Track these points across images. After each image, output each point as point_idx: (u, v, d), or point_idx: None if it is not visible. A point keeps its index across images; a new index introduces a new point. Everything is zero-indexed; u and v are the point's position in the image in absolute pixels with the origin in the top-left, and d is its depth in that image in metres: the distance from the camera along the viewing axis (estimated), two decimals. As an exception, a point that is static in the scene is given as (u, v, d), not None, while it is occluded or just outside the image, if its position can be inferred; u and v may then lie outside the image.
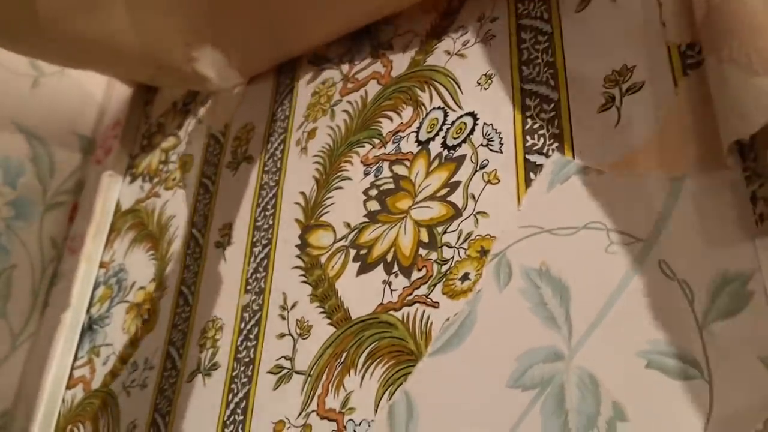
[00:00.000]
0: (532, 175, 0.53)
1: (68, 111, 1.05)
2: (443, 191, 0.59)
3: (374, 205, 0.64)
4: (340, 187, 0.68)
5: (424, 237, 0.58)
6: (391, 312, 0.57)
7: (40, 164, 1.00)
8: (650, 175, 0.46)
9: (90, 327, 0.90)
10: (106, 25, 0.81)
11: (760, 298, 0.39)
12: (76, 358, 0.89)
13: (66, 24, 0.80)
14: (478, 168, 0.57)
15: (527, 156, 0.54)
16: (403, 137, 0.65)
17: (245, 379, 0.65)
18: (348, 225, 0.65)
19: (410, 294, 0.56)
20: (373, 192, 0.65)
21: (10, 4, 0.77)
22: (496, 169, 0.56)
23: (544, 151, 0.53)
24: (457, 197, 0.57)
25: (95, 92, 1.09)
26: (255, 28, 0.83)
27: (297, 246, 0.69)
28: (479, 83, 0.61)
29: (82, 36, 0.81)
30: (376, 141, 0.68)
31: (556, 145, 0.53)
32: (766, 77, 0.40)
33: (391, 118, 0.68)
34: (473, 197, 0.56)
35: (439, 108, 0.64)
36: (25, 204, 0.97)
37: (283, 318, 0.65)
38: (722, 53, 0.43)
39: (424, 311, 0.54)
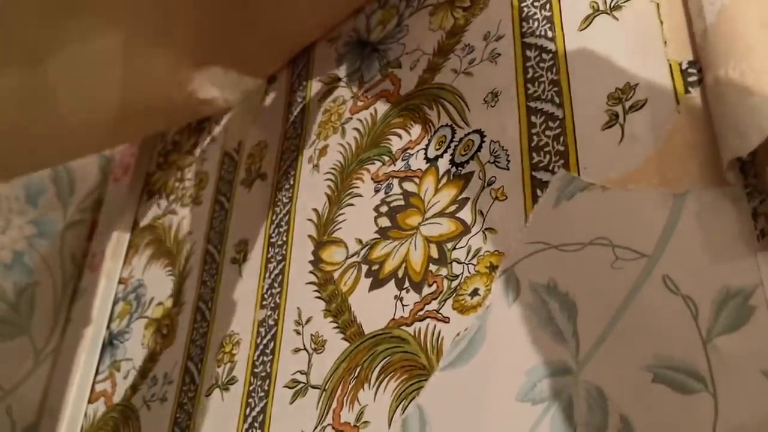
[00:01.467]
0: (538, 192, 0.54)
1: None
2: (452, 208, 0.60)
3: (385, 222, 0.65)
4: (352, 204, 0.70)
5: (434, 253, 0.59)
6: (403, 327, 0.58)
7: (60, 183, 1.03)
8: (653, 191, 0.47)
9: (110, 342, 0.92)
10: (107, 104, 0.84)
11: (763, 313, 0.40)
12: (97, 373, 0.91)
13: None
14: (485, 185, 0.58)
15: (534, 173, 0.55)
16: (412, 154, 0.67)
17: (262, 394, 0.67)
18: (360, 241, 0.67)
19: (421, 309, 0.57)
20: (384, 209, 0.66)
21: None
22: (503, 186, 0.57)
23: (550, 167, 0.54)
24: (465, 213, 0.59)
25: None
26: (246, 31, 0.84)
27: (310, 262, 0.70)
28: (486, 101, 0.62)
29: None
30: (386, 158, 0.69)
31: (561, 162, 0.54)
32: (761, 97, 0.41)
33: (400, 136, 0.69)
34: (481, 213, 0.57)
35: (447, 125, 0.65)
36: (47, 222, 1.00)
37: (298, 333, 0.67)
38: (719, 72, 0.44)
39: (435, 326, 0.56)
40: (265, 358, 0.69)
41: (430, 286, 0.58)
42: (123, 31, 0.77)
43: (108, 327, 0.94)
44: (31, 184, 1.00)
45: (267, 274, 0.74)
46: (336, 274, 0.67)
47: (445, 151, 0.64)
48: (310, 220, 0.73)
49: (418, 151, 0.66)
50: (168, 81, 0.87)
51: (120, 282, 0.97)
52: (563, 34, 0.59)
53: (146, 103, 0.87)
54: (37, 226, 0.98)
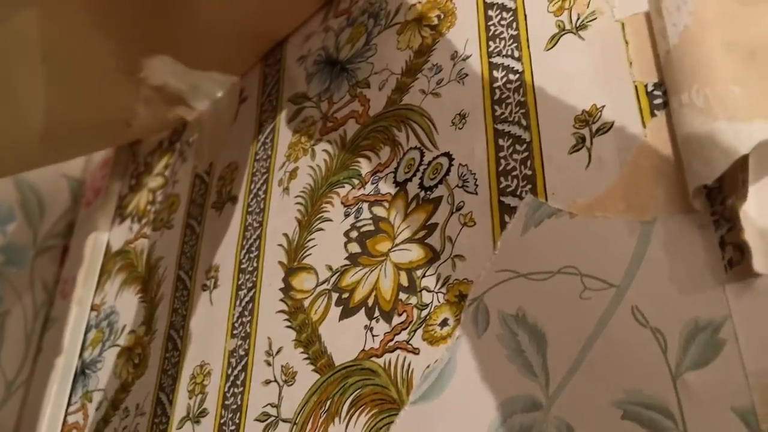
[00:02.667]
0: (506, 218, 0.53)
1: (56, 153, 1.06)
2: (421, 233, 0.59)
3: (355, 248, 0.64)
4: (322, 229, 0.68)
5: (404, 281, 0.58)
6: (373, 358, 0.56)
7: (29, 208, 1.01)
8: (621, 218, 0.46)
9: (83, 371, 0.90)
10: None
11: (732, 347, 0.38)
12: (69, 404, 0.88)
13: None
14: (454, 210, 0.57)
15: (501, 198, 0.54)
16: (382, 177, 0.65)
17: (233, 427, 0.65)
18: (330, 268, 0.65)
19: (391, 340, 0.56)
20: (354, 234, 0.65)
21: None
22: (471, 211, 0.56)
23: (518, 192, 0.53)
24: (434, 240, 0.57)
25: (83, 133, 1.10)
26: (211, 24, 0.83)
27: (281, 289, 0.69)
28: (454, 123, 0.61)
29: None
30: (356, 181, 0.68)
31: (529, 186, 0.53)
32: (726, 121, 0.40)
33: (369, 158, 0.68)
34: (450, 240, 0.56)
35: (415, 148, 0.64)
36: (16, 249, 0.98)
37: (269, 364, 0.65)
38: (682, 96, 0.43)
39: (405, 357, 0.54)
40: (236, 390, 0.67)
41: (400, 315, 0.56)
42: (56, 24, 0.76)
43: (80, 356, 0.92)
44: (0, 210, 0.98)
45: (237, 302, 0.73)
46: (306, 303, 0.65)
47: (414, 175, 0.62)
48: (280, 245, 0.72)
49: (387, 175, 0.65)
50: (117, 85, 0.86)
51: (92, 309, 0.95)
52: (530, 54, 0.58)
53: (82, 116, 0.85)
54: (5, 253, 0.96)
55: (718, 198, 0.42)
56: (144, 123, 0.93)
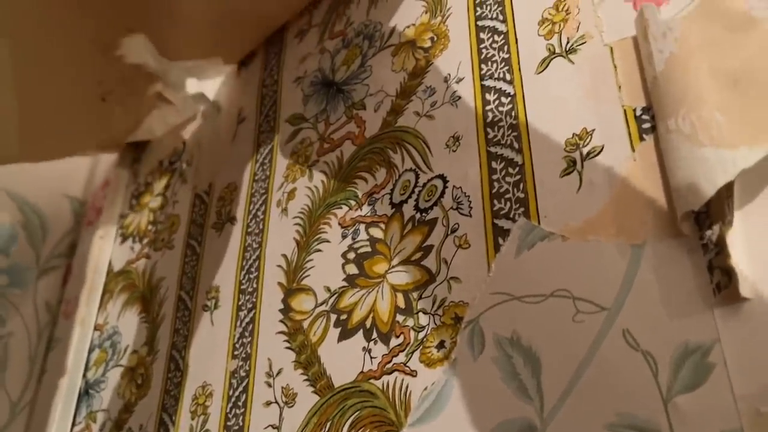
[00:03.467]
0: (500, 240, 0.54)
1: (58, 174, 1.07)
2: (417, 255, 0.59)
3: (352, 269, 0.65)
4: (320, 250, 0.69)
5: (401, 302, 0.58)
6: (372, 380, 0.57)
7: (31, 229, 1.02)
8: (611, 241, 0.47)
9: (87, 391, 0.91)
10: None
11: (721, 370, 0.39)
12: (74, 424, 0.89)
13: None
14: (449, 232, 0.58)
15: (495, 220, 0.55)
16: (378, 199, 0.66)
17: (235, 448, 0.66)
18: (328, 289, 0.66)
19: (389, 362, 0.57)
20: (351, 255, 0.65)
21: None
22: (466, 234, 0.57)
23: (511, 215, 0.54)
24: (430, 262, 0.58)
25: (84, 153, 1.11)
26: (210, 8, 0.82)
27: (280, 310, 0.69)
28: (448, 145, 0.62)
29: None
30: (353, 202, 0.69)
31: (522, 209, 0.54)
32: (711, 148, 0.41)
33: (366, 180, 0.69)
34: (445, 262, 0.57)
35: (411, 170, 0.65)
36: (19, 270, 0.99)
37: (269, 385, 0.66)
38: (669, 121, 0.44)
39: (403, 380, 0.55)
40: (237, 411, 0.68)
41: (397, 337, 0.57)
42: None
43: (84, 376, 0.92)
44: (2, 232, 0.99)
45: (238, 323, 0.73)
46: (305, 324, 0.66)
47: (410, 196, 0.63)
48: (279, 266, 0.73)
49: (383, 196, 0.66)
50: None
51: (96, 329, 0.96)
52: (521, 77, 0.59)
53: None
54: (9, 275, 0.97)
55: (706, 222, 0.43)
56: (120, 100, 0.91)
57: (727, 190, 0.41)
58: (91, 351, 0.94)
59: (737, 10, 0.44)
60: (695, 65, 0.44)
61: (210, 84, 0.98)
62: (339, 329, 0.62)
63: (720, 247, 0.41)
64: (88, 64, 0.86)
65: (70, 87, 0.87)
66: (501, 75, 0.61)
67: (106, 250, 1.01)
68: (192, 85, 0.94)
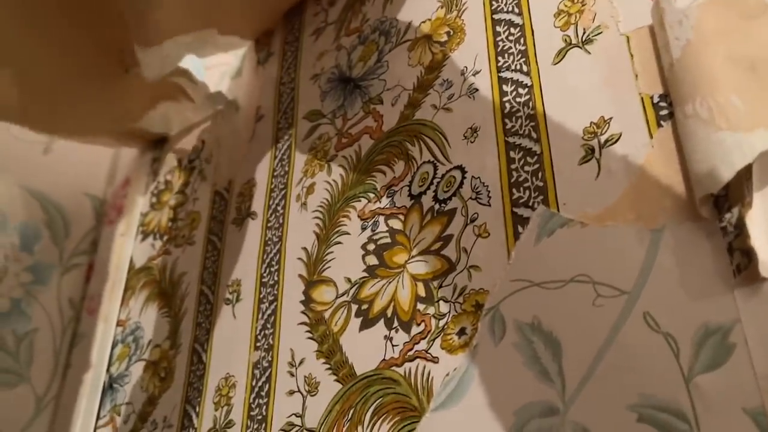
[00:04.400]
0: (519, 228, 0.55)
1: (79, 173, 1.09)
2: (437, 245, 0.60)
3: (372, 260, 0.66)
4: (340, 242, 0.70)
5: (421, 291, 0.59)
6: (394, 368, 0.58)
7: (55, 228, 1.04)
8: (630, 227, 0.48)
9: (111, 386, 0.92)
10: None
11: (742, 350, 0.40)
12: (98, 418, 0.91)
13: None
14: (468, 221, 0.59)
15: (514, 209, 0.56)
16: (397, 191, 0.67)
17: (259, 437, 0.67)
18: (349, 280, 0.67)
19: (411, 349, 0.58)
20: (371, 246, 0.67)
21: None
22: (485, 223, 0.57)
23: (530, 204, 0.55)
24: (450, 251, 0.59)
25: (104, 152, 1.13)
26: None
27: (301, 302, 0.71)
28: (465, 137, 0.63)
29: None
30: (372, 195, 0.70)
31: (541, 197, 0.54)
32: (729, 131, 0.42)
33: (384, 173, 0.70)
34: (465, 251, 0.58)
35: (429, 162, 0.65)
36: (43, 268, 1.01)
37: (292, 375, 0.67)
38: (687, 107, 0.45)
39: (424, 366, 0.56)
40: (260, 401, 0.69)
41: (418, 325, 0.58)
42: None
43: (108, 370, 0.94)
44: (26, 230, 1.01)
45: (260, 315, 0.75)
46: (327, 314, 0.67)
47: (428, 188, 0.64)
48: (300, 259, 0.74)
49: (402, 188, 0.67)
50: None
51: (118, 324, 0.97)
52: (538, 68, 0.60)
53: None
54: (33, 272, 0.99)
55: (725, 205, 0.44)
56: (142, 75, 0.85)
57: (746, 172, 0.42)
58: (114, 346, 0.96)
59: (753, -4, 0.45)
60: (712, 51, 0.45)
61: (224, 58, 0.97)
62: (360, 319, 0.63)
63: (739, 229, 0.42)
64: (110, 33, 0.82)
65: (93, 55, 0.84)
66: (518, 67, 0.62)
67: (127, 247, 1.03)
68: (210, 80, 0.95)
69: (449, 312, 0.56)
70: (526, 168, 0.57)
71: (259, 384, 0.70)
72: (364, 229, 0.68)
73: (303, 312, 0.70)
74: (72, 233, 1.05)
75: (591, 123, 0.54)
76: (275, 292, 0.75)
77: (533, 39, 0.62)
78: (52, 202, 1.05)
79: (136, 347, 0.92)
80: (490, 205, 0.58)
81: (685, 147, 0.45)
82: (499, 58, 0.64)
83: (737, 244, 0.42)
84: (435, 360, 0.55)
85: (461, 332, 0.55)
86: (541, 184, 0.55)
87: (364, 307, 0.64)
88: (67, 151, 1.09)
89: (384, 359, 0.59)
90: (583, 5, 0.59)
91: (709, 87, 0.44)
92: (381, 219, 0.67)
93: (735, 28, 0.45)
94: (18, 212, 1.01)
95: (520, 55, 0.62)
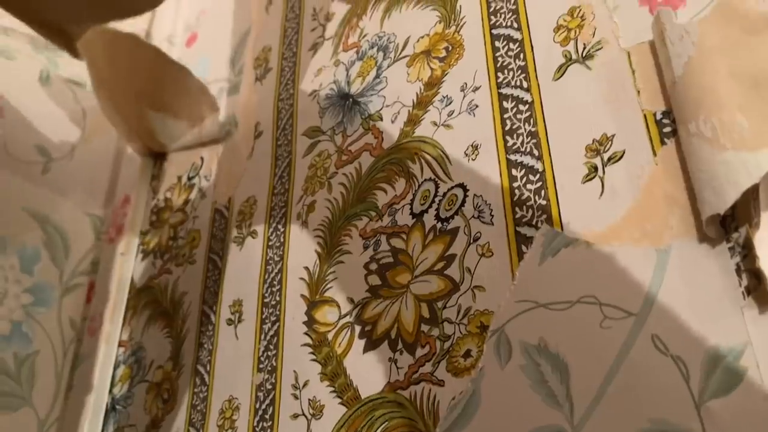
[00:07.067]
0: (523, 248, 0.54)
1: (78, 192, 1.09)
2: (440, 265, 0.60)
3: (375, 280, 0.65)
4: (342, 262, 0.70)
5: (425, 312, 0.59)
6: (399, 390, 0.57)
7: (54, 248, 1.03)
8: (636, 246, 0.47)
9: (113, 407, 0.92)
10: None
11: (754, 374, 0.39)
12: (101, 440, 0.90)
13: None
14: (471, 240, 0.58)
15: (517, 228, 0.55)
16: (398, 209, 0.66)
17: (264, 461, 0.66)
18: (351, 300, 0.66)
19: (416, 372, 0.57)
20: (373, 266, 0.66)
21: None
22: (488, 242, 0.57)
23: (534, 222, 0.54)
24: (453, 271, 0.58)
25: (103, 171, 1.13)
26: None
27: (304, 323, 0.70)
28: (467, 154, 0.62)
29: None
30: (373, 213, 0.69)
31: (544, 216, 0.54)
32: (734, 151, 0.41)
33: (385, 191, 0.69)
34: (469, 271, 0.57)
35: (430, 179, 0.65)
36: (43, 289, 1.00)
37: (296, 397, 0.66)
38: (690, 125, 0.44)
39: (430, 389, 0.55)
40: (264, 424, 0.68)
41: (423, 347, 0.57)
42: None
43: (110, 392, 0.93)
44: (26, 252, 1.00)
45: (262, 336, 0.74)
46: (330, 335, 0.66)
47: (430, 206, 0.63)
48: (302, 278, 0.73)
49: (403, 206, 0.66)
50: None
51: (120, 345, 0.97)
52: (538, 84, 0.59)
53: None
54: (33, 294, 0.98)
55: (732, 225, 0.43)
56: None
57: (753, 191, 0.41)
58: (116, 367, 0.95)
59: (754, 12, 0.44)
60: (714, 68, 0.44)
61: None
62: (364, 340, 0.63)
63: (747, 250, 0.41)
64: None
65: None
66: (518, 83, 0.61)
67: (128, 266, 1.02)
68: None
69: (454, 333, 0.55)
70: (529, 186, 0.56)
71: (263, 407, 0.69)
72: (366, 248, 0.68)
73: (306, 333, 0.69)
74: (72, 253, 1.04)
75: (593, 140, 0.53)
76: (277, 312, 0.74)
77: (533, 54, 0.61)
78: (52, 222, 1.04)
79: (139, 368, 0.91)
80: (493, 224, 0.57)
81: (690, 166, 0.45)
82: (499, 73, 0.63)
83: (746, 264, 0.41)
84: (441, 383, 0.55)
85: (467, 354, 0.54)
86: (544, 202, 0.54)
87: (368, 328, 0.63)
88: (66, 170, 1.08)
89: (389, 382, 0.58)
90: (582, 20, 0.58)
91: (712, 105, 0.43)
92: (383, 238, 0.66)
93: (737, 43, 0.44)
94: (17, 233, 1.00)
95: (519, 71, 0.61)
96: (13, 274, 0.98)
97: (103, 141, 1.13)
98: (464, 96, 0.66)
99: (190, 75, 0.99)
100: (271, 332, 0.73)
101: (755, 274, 0.40)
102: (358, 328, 0.64)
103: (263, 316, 0.75)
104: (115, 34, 0.97)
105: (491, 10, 0.67)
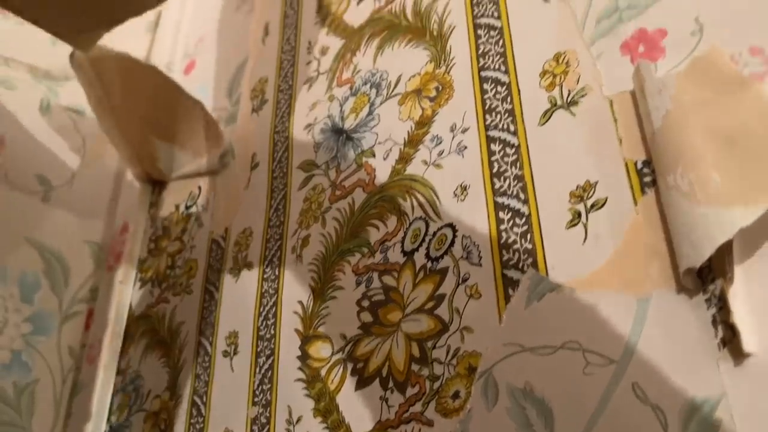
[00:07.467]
0: (510, 291, 0.55)
1: (78, 220, 1.10)
2: (430, 304, 0.61)
3: (367, 317, 0.66)
4: (335, 297, 0.71)
5: (416, 351, 0.60)
6: (390, 429, 0.58)
7: (54, 276, 1.04)
8: (617, 294, 0.48)
9: (111, 436, 0.93)
10: None
11: (729, 425, 0.40)
12: (99, 469, 0.91)
13: None
14: (460, 281, 0.60)
15: (504, 271, 0.56)
16: (390, 247, 0.68)
17: (258, 496, 0.67)
18: (344, 336, 0.67)
19: (406, 411, 0.58)
20: (366, 303, 0.67)
21: None
22: (477, 284, 0.58)
23: (520, 266, 0.56)
24: (443, 311, 0.60)
25: (102, 198, 1.14)
26: None
27: (298, 357, 0.71)
28: (456, 194, 0.64)
29: None
30: (365, 250, 0.70)
31: (530, 260, 0.55)
32: (709, 206, 0.43)
33: (377, 227, 0.71)
34: (458, 312, 0.58)
35: (420, 218, 0.66)
36: (43, 317, 1.01)
37: (290, 433, 0.67)
38: (669, 178, 0.46)
39: (420, 429, 0.56)
40: (259, 458, 0.69)
41: (413, 386, 0.59)
42: None
43: (108, 420, 0.94)
44: (26, 280, 1.01)
45: (257, 369, 0.75)
46: (323, 371, 0.68)
47: (421, 245, 0.65)
48: (296, 313, 0.74)
49: (395, 244, 0.68)
50: None
51: (118, 373, 0.98)
52: (524, 129, 0.61)
53: None
54: (33, 322, 1.00)
55: (709, 276, 0.44)
56: None
57: (727, 246, 0.43)
58: (114, 395, 0.96)
59: (728, 70, 0.46)
60: (691, 123, 0.46)
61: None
62: (356, 377, 0.64)
63: (723, 302, 0.43)
64: None
65: None
66: (505, 126, 0.63)
67: (126, 294, 1.03)
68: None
69: (443, 374, 0.57)
70: (515, 229, 0.57)
71: (258, 440, 0.71)
72: (358, 284, 0.69)
73: (300, 368, 0.70)
74: (71, 281, 1.05)
75: (577, 186, 0.54)
76: (272, 346, 0.75)
77: (520, 98, 0.63)
78: (51, 250, 1.06)
79: (136, 396, 0.92)
80: (481, 266, 0.59)
81: (669, 218, 0.46)
82: (487, 116, 0.65)
83: (721, 316, 0.43)
84: (430, 423, 0.56)
85: (455, 395, 0.55)
86: (530, 246, 0.56)
87: (360, 365, 0.64)
88: (66, 198, 1.10)
89: (380, 420, 0.60)
90: (567, 66, 0.60)
91: (688, 160, 0.45)
92: (375, 275, 0.68)
93: (712, 101, 0.46)
94: (17, 262, 1.02)
95: (507, 114, 0.63)
96: (13, 303, 0.99)
97: (102, 168, 1.15)
98: (453, 136, 0.67)
99: (203, 109, 1.00)
100: (266, 366, 0.74)
101: (730, 326, 0.42)
102: (350, 365, 0.65)
103: (258, 349, 0.77)
104: (134, 62, 0.99)
105: (480, 52, 0.69)
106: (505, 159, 0.61)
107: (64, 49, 1.00)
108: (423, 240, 0.65)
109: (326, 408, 0.65)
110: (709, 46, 0.48)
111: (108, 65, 0.97)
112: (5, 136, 1.06)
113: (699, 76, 0.47)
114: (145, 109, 1.02)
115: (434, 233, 0.64)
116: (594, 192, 0.53)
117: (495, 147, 0.63)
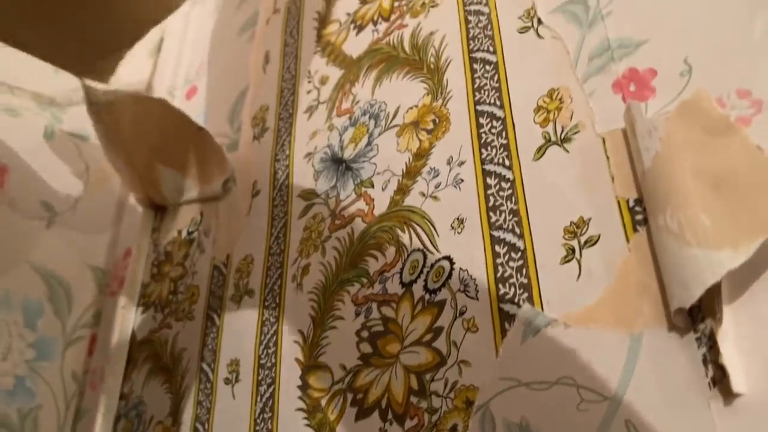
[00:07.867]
0: (506, 325, 0.56)
1: (81, 246, 1.12)
2: (428, 336, 0.62)
3: (367, 348, 0.67)
4: (335, 327, 0.72)
5: (414, 384, 0.61)
6: (389, 461, 0.59)
7: (57, 301, 1.06)
8: (611, 331, 0.49)
9: (114, 462, 0.93)
10: None
11: (720, 465, 0.41)
12: (102, 495, 0.92)
13: None
14: (457, 314, 0.61)
15: (501, 305, 0.58)
16: (389, 277, 0.69)
17: None
18: (344, 367, 0.68)
19: (405, 443, 0.59)
20: (365, 333, 0.68)
21: None
22: (474, 317, 0.59)
23: (516, 300, 0.57)
24: (441, 344, 0.61)
25: (105, 223, 1.16)
26: None
27: (299, 387, 0.72)
28: (453, 227, 0.65)
29: None
30: (365, 280, 0.71)
31: (525, 294, 0.56)
32: (698, 248, 0.44)
33: (376, 258, 0.72)
34: (455, 345, 0.59)
35: (419, 250, 0.67)
36: (47, 343, 1.02)
37: (291, 463, 0.68)
38: (659, 218, 0.47)
39: (418, 462, 0.57)
40: (261, 488, 0.70)
41: (412, 419, 0.60)
42: None
43: (111, 446, 0.95)
44: (30, 306, 1.03)
45: (259, 398, 0.76)
46: (323, 401, 0.68)
47: (419, 276, 0.66)
48: (296, 342, 0.75)
49: (393, 275, 0.69)
50: None
51: (121, 398, 0.99)
52: (519, 163, 0.62)
53: None
54: (36, 348, 1.01)
55: (699, 315, 0.45)
56: None
57: (716, 287, 0.44)
58: (117, 420, 0.97)
59: (716, 113, 0.47)
60: (680, 165, 0.47)
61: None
62: (356, 409, 0.65)
63: (713, 342, 0.44)
64: None
65: None
66: (500, 160, 0.64)
67: (129, 319, 1.04)
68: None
69: (441, 407, 0.58)
70: (511, 263, 0.59)
71: (259, 470, 0.71)
72: (357, 315, 0.70)
73: (300, 397, 0.71)
74: (75, 306, 1.07)
75: (571, 222, 0.56)
76: (273, 374, 0.76)
77: (514, 133, 0.64)
78: (54, 275, 1.07)
79: (139, 422, 0.93)
80: (477, 299, 0.60)
81: (659, 257, 0.47)
82: (483, 150, 0.66)
83: (712, 356, 0.44)
84: (428, 456, 0.57)
85: (453, 429, 0.56)
86: (525, 281, 0.57)
87: (360, 396, 0.65)
88: (69, 223, 1.11)
89: (379, 452, 0.60)
90: (561, 102, 0.61)
91: (678, 202, 0.46)
92: (374, 305, 0.69)
93: (700, 143, 0.47)
94: (21, 288, 1.03)
95: (502, 149, 0.64)
96: (17, 329, 1.00)
97: (105, 194, 1.16)
98: (450, 169, 0.68)
99: (210, 138, 1.02)
100: (267, 394, 0.75)
101: (721, 366, 0.43)
102: (350, 396, 0.66)
103: (259, 378, 0.77)
104: (146, 99, 1.02)
105: (476, 86, 0.70)
106: (501, 193, 0.62)
107: (68, 75, 1.02)
108: (421, 272, 0.66)
109: (326, 439, 0.66)
110: (696, 89, 0.50)
111: (121, 107, 0.99)
112: (10, 164, 1.08)
113: (687, 118, 0.49)
114: (151, 139, 1.04)
115: (432, 265, 0.65)
116: (587, 229, 0.54)
117: (491, 181, 0.64)
